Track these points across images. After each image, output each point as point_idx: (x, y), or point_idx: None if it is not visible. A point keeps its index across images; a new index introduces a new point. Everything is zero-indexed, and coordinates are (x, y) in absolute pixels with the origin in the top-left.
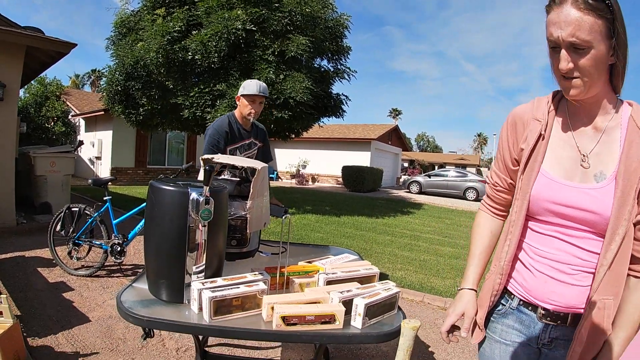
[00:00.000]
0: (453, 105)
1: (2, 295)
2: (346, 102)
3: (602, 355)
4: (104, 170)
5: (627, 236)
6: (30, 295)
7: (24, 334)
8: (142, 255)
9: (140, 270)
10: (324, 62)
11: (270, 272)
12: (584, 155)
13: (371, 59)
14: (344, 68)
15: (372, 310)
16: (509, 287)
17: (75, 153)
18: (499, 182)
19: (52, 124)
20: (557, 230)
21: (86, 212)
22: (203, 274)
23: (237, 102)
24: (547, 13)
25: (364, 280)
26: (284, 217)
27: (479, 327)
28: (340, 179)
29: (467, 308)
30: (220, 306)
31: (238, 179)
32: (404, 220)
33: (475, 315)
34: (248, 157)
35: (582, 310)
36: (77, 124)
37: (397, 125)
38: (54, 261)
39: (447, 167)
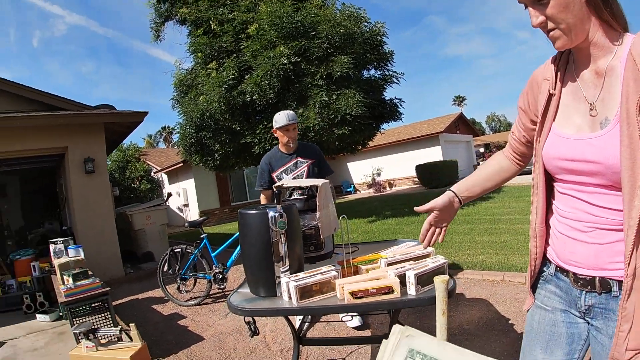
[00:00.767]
0: (516, 77)
1: (131, 324)
2: (401, 105)
3: None
4: (192, 215)
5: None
6: (150, 328)
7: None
8: (240, 281)
9: None
10: (371, 72)
11: (341, 264)
12: (591, 104)
13: (422, 54)
14: (390, 73)
15: (423, 279)
16: (547, 253)
17: (166, 204)
18: (514, 132)
19: (138, 183)
20: (572, 187)
21: (187, 250)
22: (288, 271)
23: (275, 134)
24: None
25: (419, 259)
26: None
27: (529, 294)
28: (417, 179)
29: (436, 200)
30: (304, 292)
31: (305, 197)
32: (482, 207)
33: (439, 206)
34: (297, 175)
35: (606, 273)
36: (160, 178)
37: (461, 112)
38: (165, 297)
39: None
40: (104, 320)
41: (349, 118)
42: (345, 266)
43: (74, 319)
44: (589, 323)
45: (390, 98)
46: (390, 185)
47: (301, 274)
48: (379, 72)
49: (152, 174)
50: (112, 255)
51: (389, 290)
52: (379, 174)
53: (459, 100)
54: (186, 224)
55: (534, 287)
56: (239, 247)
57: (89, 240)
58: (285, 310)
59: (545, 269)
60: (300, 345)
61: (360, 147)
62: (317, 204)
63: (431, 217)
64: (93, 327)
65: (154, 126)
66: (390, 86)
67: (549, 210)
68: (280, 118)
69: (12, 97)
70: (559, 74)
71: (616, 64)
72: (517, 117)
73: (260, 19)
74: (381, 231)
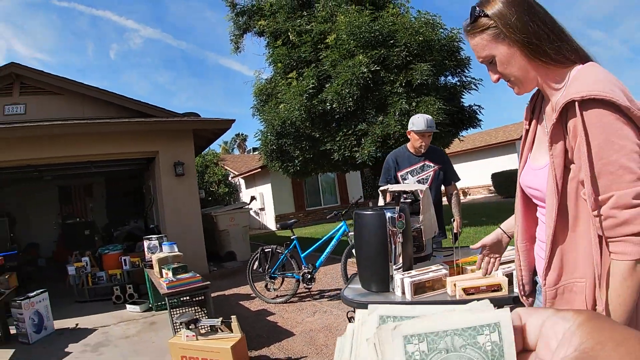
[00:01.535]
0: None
1: (233, 316)
2: (480, 111)
3: None
4: (269, 219)
5: (571, 209)
6: (240, 322)
7: None
8: (325, 282)
9: (328, 293)
10: (449, 79)
11: (449, 264)
12: None
13: None
14: (469, 79)
15: None
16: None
17: (249, 207)
18: None
19: (216, 187)
20: (540, 212)
21: (277, 250)
22: (401, 269)
23: (409, 136)
24: None
25: None
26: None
27: (524, 302)
28: (492, 188)
29: (486, 237)
30: (417, 287)
31: (409, 201)
32: None
33: (488, 243)
34: (422, 179)
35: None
36: (238, 183)
37: None
38: (252, 294)
39: None
40: (202, 313)
41: None
42: (453, 266)
43: (173, 311)
44: None
45: (469, 105)
46: (465, 193)
47: (413, 272)
48: (456, 79)
49: (230, 178)
50: (198, 253)
51: (498, 287)
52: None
53: None
54: (278, 225)
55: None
56: (327, 249)
57: (176, 238)
58: (403, 304)
59: (536, 279)
60: None
61: None
62: (421, 207)
63: (484, 252)
64: (194, 317)
65: (228, 133)
66: (469, 92)
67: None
68: (419, 122)
69: (103, 104)
70: (535, 110)
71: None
72: None
73: (338, 29)
74: (461, 240)
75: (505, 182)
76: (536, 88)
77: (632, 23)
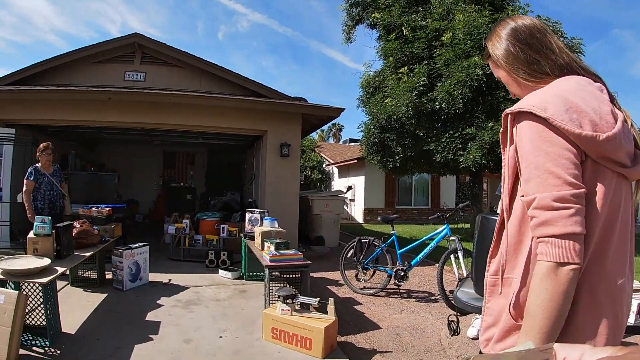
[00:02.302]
0: None
1: (330, 299)
2: None
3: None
4: (357, 211)
5: (516, 210)
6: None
7: None
8: (414, 282)
9: (416, 294)
10: None
11: None
12: None
13: (605, 71)
14: None
15: None
16: None
17: (345, 196)
18: None
19: (310, 172)
20: None
21: (374, 243)
22: None
23: None
24: None
25: (637, 291)
26: None
27: None
28: None
29: None
30: None
31: None
32: None
33: None
34: None
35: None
36: (331, 171)
37: None
38: (340, 281)
39: None
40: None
41: None
42: None
43: (272, 283)
44: None
45: None
46: None
47: None
48: None
49: (324, 166)
50: (291, 232)
51: None
52: None
53: None
54: (379, 218)
55: None
56: (426, 249)
57: (273, 215)
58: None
59: None
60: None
61: None
62: None
63: None
64: (293, 292)
65: None
66: None
67: None
68: None
69: (218, 80)
70: None
71: None
72: None
73: (454, 28)
74: None
75: None
76: None
77: None
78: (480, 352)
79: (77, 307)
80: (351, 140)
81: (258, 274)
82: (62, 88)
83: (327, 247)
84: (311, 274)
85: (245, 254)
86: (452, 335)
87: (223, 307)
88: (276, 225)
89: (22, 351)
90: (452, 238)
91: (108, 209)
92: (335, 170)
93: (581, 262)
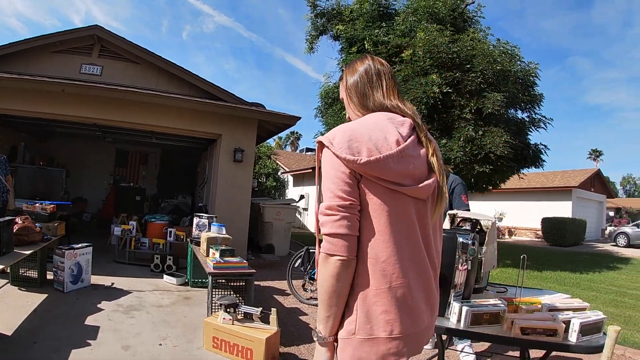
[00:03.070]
0: None
1: (273, 309)
2: (545, 152)
3: None
4: (310, 220)
5: None
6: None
7: None
8: None
9: None
10: (518, 113)
11: (508, 301)
12: None
13: (561, 97)
14: (539, 117)
15: (585, 329)
16: None
17: (297, 205)
18: None
19: (265, 179)
20: None
21: None
22: (460, 296)
23: None
24: None
25: (577, 310)
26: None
27: None
28: (539, 232)
29: None
30: (475, 318)
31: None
32: (609, 276)
33: None
34: None
35: None
36: (286, 179)
37: (599, 169)
38: (287, 291)
39: None
40: (239, 299)
41: (492, 157)
42: (512, 303)
43: (216, 290)
44: None
45: (535, 143)
46: (510, 233)
47: (472, 301)
48: (525, 114)
49: (280, 173)
50: (240, 239)
51: (553, 332)
52: (500, 219)
53: (596, 154)
54: None
55: None
56: None
57: (223, 221)
58: (457, 331)
59: None
60: None
61: (491, 188)
62: (486, 239)
63: None
64: (235, 301)
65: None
66: (537, 130)
67: None
68: None
69: (176, 80)
70: None
71: None
72: None
73: (416, 45)
74: (502, 279)
75: (554, 228)
76: None
77: None
78: None
79: (15, 307)
80: (308, 150)
81: (203, 280)
82: (15, 76)
83: (277, 256)
84: (259, 283)
85: (191, 259)
86: None
87: (165, 313)
88: (224, 232)
89: None
90: None
91: (52, 206)
92: (290, 179)
93: (348, 255)
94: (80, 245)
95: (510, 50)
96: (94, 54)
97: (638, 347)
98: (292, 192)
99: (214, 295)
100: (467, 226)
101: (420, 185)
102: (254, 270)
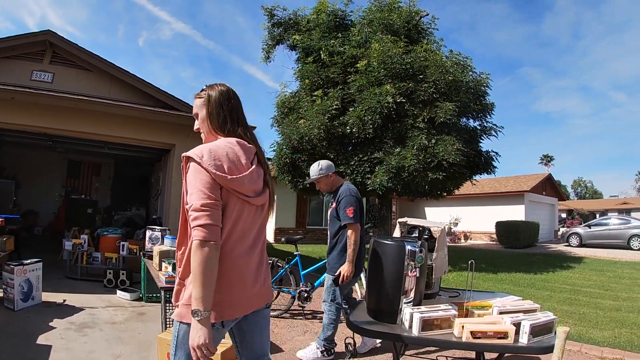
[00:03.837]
0: (608, 142)
1: None
2: (496, 158)
3: None
4: (268, 231)
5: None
6: None
7: None
8: (319, 303)
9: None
10: (470, 122)
11: (459, 305)
12: None
13: (513, 105)
14: (490, 125)
15: (535, 330)
16: None
17: None
18: None
19: None
20: None
21: (278, 264)
22: (411, 303)
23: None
24: None
25: (528, 312)
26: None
27: None
28: (494, 236)
29: None
30: (426, 324)
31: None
32: (562, 275)
33: None
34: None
35: None
36: None
37: (550, 173)
38: None
39: (608, 214)
40: None
41: (445, 164)
42: (463, 307)
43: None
44: None
45: (487, 150)
46: (466, 237)
47: (423, 308)
48: (477, 123)
49: None
50: None
51: (504, 335)
52: (456, 224)
53: (547, 159)
54: (283, 239)
55: None
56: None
57: (177, 233)
58: (408, 338)
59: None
60: None
61: (446, 194)
62: (436, 245)
63: None
64: None
65: None
66: (488, 138)
67: None
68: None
69: (129, 88)
70: None
71: None
72: None
73: (370, 56)
74: (457, 282)
75: (508, 231)
76: None
77: None
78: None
79: None
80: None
81: (158, 295)
82: None
83: None
84: None
85: (145, 274)
86: (349, 358)
87: (119, 330)
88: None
89: None
90: None
91: (0, 219)
92: None
93: (217, 240)
94: (30, 261)
95: (462, 61)
96: (45, 61)
97: (593, 343)
98: None
99: (167, 310)
100: (417, 234)
101: (259, 197)
102: None
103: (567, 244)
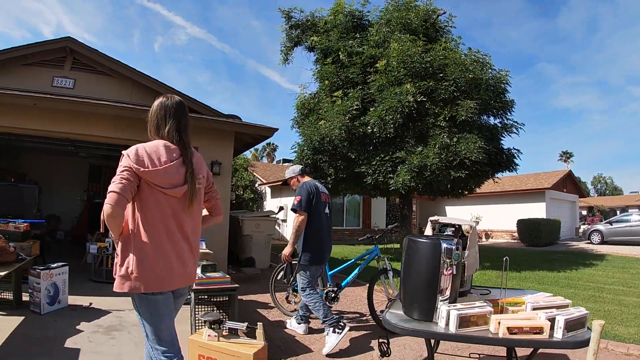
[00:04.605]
0: (627, 138)
1: (259, 323)
2: (518, 156)
3: None
4: (289, 232)
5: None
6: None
7: None
8: (345, 304)
9: (347, 315)
10: (491, 119)
11: (494, 302)
12: None
13: (529, 102)
14: (511, 122)
15: (569, 325)
16: None
17: (276, 217)
18: None
19: (242, 191)
20: None
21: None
22: (447, 301)
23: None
24: None
25: (560, 307)
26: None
27: None
28: (515, 234)
29: None
30: (463, 321)
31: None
32: (586, 273)
33: None
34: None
35: None
36: (264, 191)
37: (570, 170)
38: (270, 304)
39: (629, 210)
40: (223, 314)
41: (467, 162)
42: (498, 304)
43: (199, 307)
44: None
45: (508, 147)
46: (487, 236)
47: (459, 305)
48: (498, 120)
49: (257, 185)
50: (220, 254)
51: (540, 330)
52: (477, 223)
53: (566, 156)
54: None
55: None
56: (355, 271)
57: (202, 236)
58: (447, 335)
59: None
60: None
61: (467, 193)
62: (468, 243)
63: None
64: (220, 318)
65: None
66: (509, 135)
67: None
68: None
69: (151, 93)
70: None
71: None
72: None
73: (389, 56)
74: (482, 281)
75: (529, 229)
76: None
77: None
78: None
79: None
80: (285, 161)
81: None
82: None
83: (258, 269)
84: (241, 297)
85: None
86: (382, 357)
87: None
88: (203, 247)
89: None
90: (382, 258)
91: (26, 224)
92: (268, 190)
93: (118, 208)
94: (56, 264)
95: (481, 59)
96: (66, 67)
97: (619, 340)
98: (270, 203)
99: (197, 312)
100: (449, 232)
101: (174, 189)
102: (237, 285)
103: (589, 241)
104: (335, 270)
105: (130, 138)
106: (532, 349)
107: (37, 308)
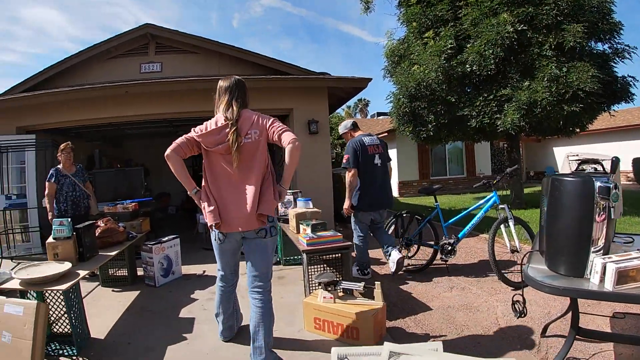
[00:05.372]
0: None
1: (377, 283)
2: (634, 84)
3: None
4: (392, 185)
5: None
6: None
7: None
8: (460, 257)
9: (463, 269)
10: (599, 45)
11: None
12: None
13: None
14: (622, 47)
15: None
16: None
17: None
18: None
19: (340, 149)
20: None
21: (417, 217)
22: (601, 252)
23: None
24: None
25: None
26: None
27: None
28: (630, 174)
29: None
30: (621, 276)
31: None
32: None
33: None
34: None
35: None
36: None
37: None
38: (381, 260)
39: None
40: (336, 273)
41: (581, 94)
42: None
43: (310, 267)
44: None
45: (622, 75)
46: None
47: (614, 257)
48: (607, 45)
49: None
50: (326, 211)
51: None
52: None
53: None
54: (419, 189)
55: None
56: (473, 220)
57: (307, 195)
58: (603, 294)
59: None
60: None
61: (579, 130)
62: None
63: None
64: (335, 279)
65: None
66: (622, 62)
67: None
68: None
69: (237, 62)
70: None
71: None
72: None
73: None
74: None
75: None
76: None
77: None
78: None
79: (107, 309)
80: (379, 114)
81: (295, 258)
82: (77, 87)
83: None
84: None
85: (281, 238)
86: (518, 317)
87: None
88: (310, 206)
89: None
90: (501, 206)
91: (133, 204)
92: None
93: (173, 153)
94: (167, 238)
95: None
96: (150, 53)
97: None
98: None
99: (310, 273)
100: (590, 169)
101: (217, 146)
102: (350, 243)
103: None
104: (450, 221)
105: None
106: None
107: (152, 281)
